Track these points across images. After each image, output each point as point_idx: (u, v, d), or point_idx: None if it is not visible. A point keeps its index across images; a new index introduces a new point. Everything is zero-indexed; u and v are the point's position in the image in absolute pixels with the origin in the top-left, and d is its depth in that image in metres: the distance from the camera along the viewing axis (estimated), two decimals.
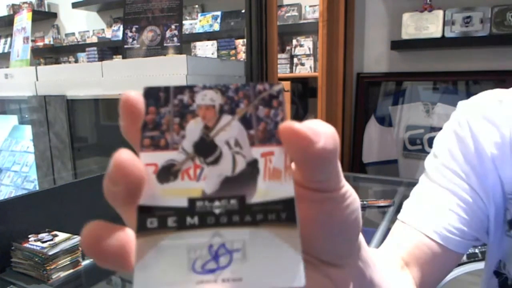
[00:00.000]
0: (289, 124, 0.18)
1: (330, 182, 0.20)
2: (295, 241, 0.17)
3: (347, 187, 0.21)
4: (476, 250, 1.08)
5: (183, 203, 0.17)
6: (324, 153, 0.18)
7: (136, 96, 0.18)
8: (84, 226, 0.17)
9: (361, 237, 0.24)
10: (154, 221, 0.17)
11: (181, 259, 0.17)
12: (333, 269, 0.23)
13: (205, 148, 0.18)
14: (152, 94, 0.18)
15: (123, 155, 0.16)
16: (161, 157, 0.18)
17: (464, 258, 1.07)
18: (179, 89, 0.19)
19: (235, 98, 0.19)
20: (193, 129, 0.18)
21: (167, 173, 0.18)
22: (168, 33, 1.43)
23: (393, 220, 1.17)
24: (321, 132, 0.18)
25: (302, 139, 0.17)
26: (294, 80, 2.26)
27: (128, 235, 0.17)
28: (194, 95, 0.19)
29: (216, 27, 2.71)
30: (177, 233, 0.17)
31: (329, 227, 0.21)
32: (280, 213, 0.18)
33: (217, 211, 0.18)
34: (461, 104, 0.56)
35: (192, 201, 0.18)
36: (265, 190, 0.18)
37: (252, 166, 0.18)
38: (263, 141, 0.18)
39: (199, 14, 2.82)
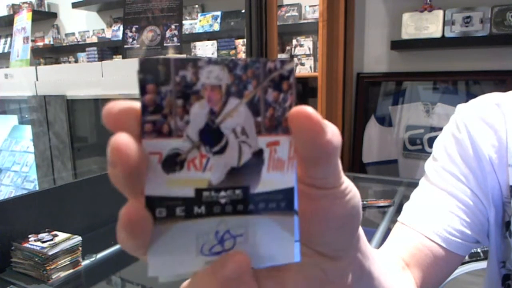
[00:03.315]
0: (302, 108, 0.17)
1: (328, 180, 0.20)
2: (291, 226, 0.19)
3: (346, 183, 0.21)
4: (478, 250, 1.08)
5: (190, 193, 0.18)
6: (329, 146, 0.18)
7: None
8: (124, 205, 0.17)
9: (360, 230, 0.24)
10: (163, 211, 0.17)
11: (190, 244, 0.18)
12: (329, 261, 0.22)
13: (211, 136, 0.18)
14: (150, 69, 0.16)
15: (118, 137, 0.16)
16: (165, 145, 0.17)
17: (466, 257, 1.07)
18: (181, 63, 0.17)
19: (243, 77, 0.18)
20: (198, 113, 0.17)
21: (172, 162, 0.17)
22: (168, 33, 1.43)
23: (393, 220, 1.17)
24: (329, 126, 0.18)
25: (314, 125, 0.17)
26: None
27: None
28: (198, 71, 0.17)
29: (216, 27, 2.71)
30: (185, 221, 0.18)
31: (327, 222, 0.21)
32: (279, 202, 0.19)
33: (222, 200, 0.18)
34: (460, 107, 0.56)
35: (199, 191, 0.18)
36: (268, 181, 0.19)
37: (257, 157, 0.18)
38: (269, 129, 0.18)
39: (199, 14, 2.81)
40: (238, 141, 0.18)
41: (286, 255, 0.19)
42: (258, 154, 0.18)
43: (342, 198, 0.20)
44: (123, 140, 0.16)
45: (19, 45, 1.86)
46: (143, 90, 0.17)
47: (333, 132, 0.18)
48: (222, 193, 0.18)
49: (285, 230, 0.19)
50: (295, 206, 0.19)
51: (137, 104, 0.17)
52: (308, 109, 0.17)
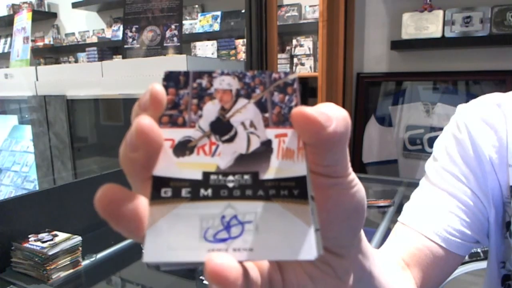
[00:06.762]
0: (301, 109, 0.18)
1: (338, 168, 0.20)
2: (307, 216, 0.18)
3: (353, 175, 0.21)
4: (478, 250, 1.08)
5: (198, 175, 0.18)
6: (335, 136, 0.18)
7: (163, 90, 0.18)
8: (100, 187, 0.17)
9: (361, 231, 0.24)
10: (168, 191, 0.18)
11: (193, 227, 0.17)
12: (335, 258, 0.23)
13: (221, 127, 0.19)
14: (173, 78, 0.19)
15: (144, 120, 0.16)
16: (178, 133, 0.19)
17: (466, 257, 1.07)
18: (198, 74, 0.19)
19: (251, 84, 0.20)
20: (210, 109, 0.19)
21: (183, 148, 0.18)
22: (168, 33, 1.43)
23: (393, 220, 1.17)
24: (333, 115, 0.18)
25: (313, 124, 0.18)
26: None
27: (142, 202, 0.17)
28: (212, 80, 0.19)
29: (216, 27, 2.71)
30: (190, 203, 0.18)
31: (335, 213, 0.21)
32: (292, 190, 0.18)
33: (230, 184, 0.18)
34: (460, 107, 0.56)
35: (206, 174, 0.18)
36: (278, 168, 0.19)
37: (266, 146, 0.19)
38: (277, 123, 0.19)
39: (199, 14, 2.81)
40: (246, 132, 0.19)
41: (301, 249, 0.17)
42: (267, 144, 0.19)
43: (349, 189, 0.21)
44: (148, 123, 0.17)
45: (19, 45, 1.86)
46: (165, 93, 0.19)
47: (337, 120, 0.18)
48: (230, 177, 0.18)
49: (299, 219, 0.18)
50: (310, 193, 0.18)
51: (164, 97, 0.19)
52: (306, 109, 0.18)
